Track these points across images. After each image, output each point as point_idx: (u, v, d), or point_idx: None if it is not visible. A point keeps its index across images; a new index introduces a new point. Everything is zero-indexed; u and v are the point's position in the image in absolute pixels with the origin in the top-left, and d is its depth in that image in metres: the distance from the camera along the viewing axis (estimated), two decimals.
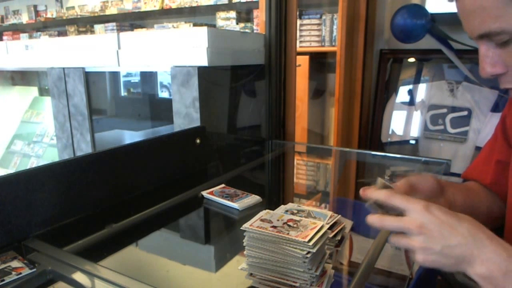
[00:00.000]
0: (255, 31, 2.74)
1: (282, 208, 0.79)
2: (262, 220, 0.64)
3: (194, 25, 3.26)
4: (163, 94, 1.70)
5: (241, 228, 0.61)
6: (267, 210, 0.69)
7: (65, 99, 1.64)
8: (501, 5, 0.52)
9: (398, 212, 0.57)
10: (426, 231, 0.53)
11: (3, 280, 0.60)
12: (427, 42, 1.97)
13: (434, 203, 0.55)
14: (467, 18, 0.58)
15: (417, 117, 2.11)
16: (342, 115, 2.06)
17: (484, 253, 0.51)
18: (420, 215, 0.54)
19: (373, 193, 0.59)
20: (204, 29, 1.19)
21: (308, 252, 0.56)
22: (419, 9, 1.95)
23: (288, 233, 0.59)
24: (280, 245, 0.58)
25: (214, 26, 3.08)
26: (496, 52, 0.58)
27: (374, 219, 0.57)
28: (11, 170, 2.34)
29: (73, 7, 4.23)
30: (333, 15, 2.39)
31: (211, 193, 0.99)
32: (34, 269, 0.64)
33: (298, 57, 1.75)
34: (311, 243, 0.56)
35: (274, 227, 0.61)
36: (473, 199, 0.81)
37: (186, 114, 1.26)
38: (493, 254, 0.51)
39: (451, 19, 2.02)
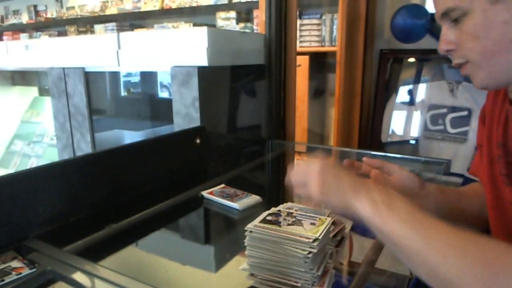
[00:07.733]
0: (255, 31, 2.74)
1: (281, 207, 0.79)
2: (266, 220, 0.63)
3: (194, 25, 3.26)
4: (163, 94, 1.70)
5: (245, 228, 0.61)
6: (272, 209, 0.68)
7: (65, 99, 1.63)
8: None
9: None
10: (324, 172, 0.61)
11: (3, 280, 0.60)
12: (427, 42, 1.97)
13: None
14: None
15: (417, 117, 2.11)
16: (342, 115, 2.06)
17: (370, 189, 0.57)
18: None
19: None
20: (204, 29, 1.19)
21: (310, 252, 0.56)
22: (419, 9, 1.95)
23: (290, 232, 0.59)
24: (282, 245, 0.58)
25: (214, 26, 3.08)
26: (452, 31, 0.64)
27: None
28: (11, 170, 2.34)
29: (73, 7, 4.23)
30: (333, 15, 2.39)
31: (211, 193, 0.99)
32: (34, 269, 0.64)
33: (298, 57, 1.75)
34: (314, 243, 0.56)
35: (278, 225, 0.61)
36: (464, 204, 0.83)
37: (186, 114, 1.26)
38: (377, 192, 0.57)
39: None
